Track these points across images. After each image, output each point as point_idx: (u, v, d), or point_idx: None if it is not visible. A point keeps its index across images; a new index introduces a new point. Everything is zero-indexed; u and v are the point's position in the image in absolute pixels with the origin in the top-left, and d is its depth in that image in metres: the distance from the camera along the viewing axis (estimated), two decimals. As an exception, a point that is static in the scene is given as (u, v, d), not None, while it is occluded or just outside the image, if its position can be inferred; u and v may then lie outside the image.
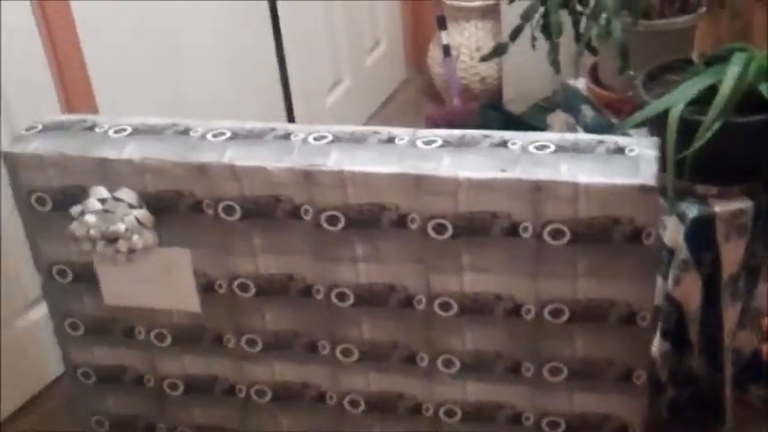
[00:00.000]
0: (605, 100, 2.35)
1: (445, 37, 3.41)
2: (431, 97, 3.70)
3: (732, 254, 1.99)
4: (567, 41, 2.33)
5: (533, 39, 2.35)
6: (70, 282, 2.06)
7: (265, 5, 2.72)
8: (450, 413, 2.01)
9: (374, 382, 2.02)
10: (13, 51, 2.17)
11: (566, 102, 2.47)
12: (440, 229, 1.79)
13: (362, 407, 2.06)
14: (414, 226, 1.80)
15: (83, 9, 2.28)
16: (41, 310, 2.33)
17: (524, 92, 3.21)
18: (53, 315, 2.14)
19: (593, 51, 2.43)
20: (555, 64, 2.36)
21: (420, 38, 3.75)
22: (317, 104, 3.16)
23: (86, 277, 2.04)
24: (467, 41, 3.45)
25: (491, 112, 3.09)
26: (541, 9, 2.31)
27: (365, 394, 2.04)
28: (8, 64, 2.15)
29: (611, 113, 2.29)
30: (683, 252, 1.97)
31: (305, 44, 3.06)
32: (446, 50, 3.41)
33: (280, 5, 2.70)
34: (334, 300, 1.93)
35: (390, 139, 1.85)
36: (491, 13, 3.43)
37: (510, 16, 2.96)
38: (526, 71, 3.23)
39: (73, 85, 2.30)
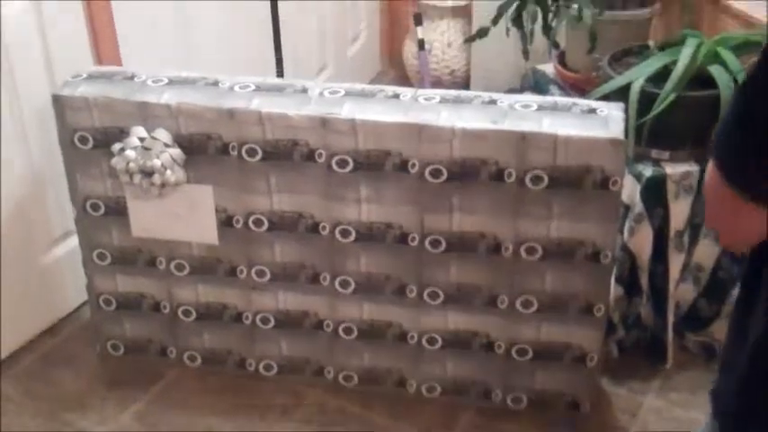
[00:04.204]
0: (571, 81, 2.57)
1: (420, 32, 3.61)
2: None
3: (679, 211, 2.20)
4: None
5: (507, 29, 2.56)
6: (102, 215, 2.21)
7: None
8: (431, 341, 2.20)
9: (367, 312, 2.20)
10: (56, 12, 2.32)
11: (535, 83, 2.67)
12: (436, 173, 1.98)
13: (355, 334, 2.24)
14: (413, 170, 1.99)
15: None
16: (67, 246, 2.48)
17: (489, 84, 3.40)
18: (83, 246, 2.29)
19: (557, 45, 2.65)
20: (525, 52, 2.56)
21: (395, 34, 3.95)
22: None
23: (117, 211, 2.20)
24: (439, 37, 3.65)
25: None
26: (516, 3, 2.51)
27: (358, 322, 2.22)
28: (53, 24, 2.30)
29: (576, 93, 2.50)
30: (638, 207, 2.18)
31: (298, 31, 3.24)
32: (421, 44, 3.60)
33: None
34: (337, 236, 2.11)
35: (395, 96, 2.04)
36: (462, 11, 3.63)
37: (481, 16, 3.19)
38: (491, 65, 3.44)
39: (103, 46, 2.45)
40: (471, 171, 1.96)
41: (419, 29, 3.61)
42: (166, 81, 2.11)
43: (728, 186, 1.07)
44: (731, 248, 1.84)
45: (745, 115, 1.04)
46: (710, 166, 1.10)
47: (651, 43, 2.33)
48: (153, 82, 2.11)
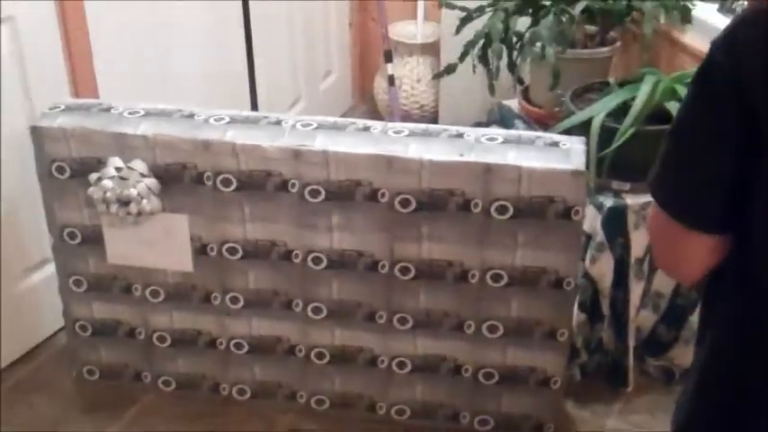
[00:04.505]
0: (535, 115, 2.62)
1: (390, 69, 3.66)
2: (374, 121, 3.95)
3: (639, 240, 2.25)
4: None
5: (474, 66, 2.61)
6: (78, 243, 2.23)
7: (242, 31, 2.94)
8: (401, 365, 2.23)
9: (338, 337, 2.23)
10: (35, 44, 2.34)
11: (501, 118, 2.72)
12: (405, 203, 2.02)
13: (327, 359, 2.26)
14: (383, 200, 2.03)
15: (95, 11, 2.48)
16: (43, 273, 2.48)
17: (457, 118, 3.45)
18: (60, 273, 2.30)
19: (521, 82, 2.71)
20: (491, 88, 2.61)
21: (366, 70, 4.00)
22: (278, 119, 3.38)
23: (93, 239, 2.21)
24: (409, 73, 3.70)
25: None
26: (481, 41, 2.57)
27: (330, 347, 2.24)
28: (30, 56, 2.33)
29: (539, 127, 2.55)
30: (600, 236, 2.23)
31: (272, 66, 3.28)
32: (391, 80, 3.65)
33: (254, 33, 2.92)
34: (309, 263, 2.14)
35: (366, 128, 2.08)
36: (430, 49, 3.69)
37: (448, 53, 3.24)
38: (458, 100, 3.50)
39: (81, 77, 2.48)
40: (439, 201, 2.00)
41: (389, 65, 3.67)
42: (143, 113, 2.14)
43: (673, 221, 1.12)
44: (686, 283, 1.89)
45: (676, 155, 1.11)
46: (652, 209, 1.16)
47: (611, 80, 2.39)
48: (129, 114, 2.14)
